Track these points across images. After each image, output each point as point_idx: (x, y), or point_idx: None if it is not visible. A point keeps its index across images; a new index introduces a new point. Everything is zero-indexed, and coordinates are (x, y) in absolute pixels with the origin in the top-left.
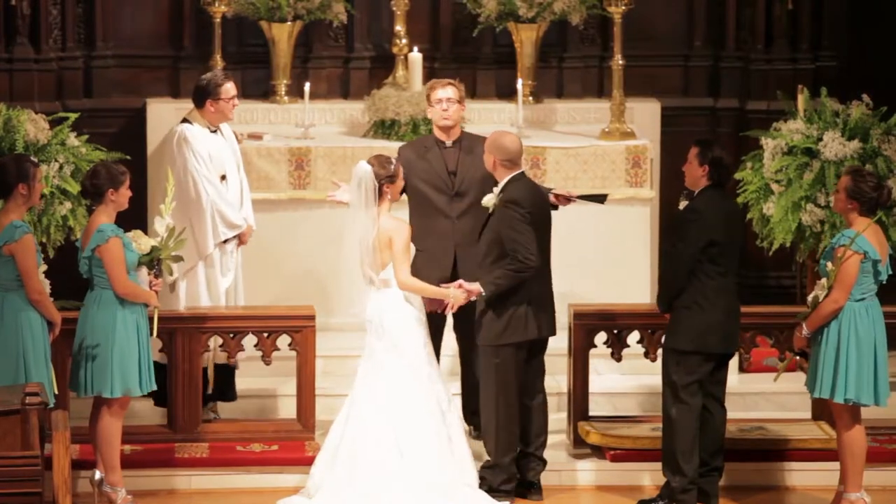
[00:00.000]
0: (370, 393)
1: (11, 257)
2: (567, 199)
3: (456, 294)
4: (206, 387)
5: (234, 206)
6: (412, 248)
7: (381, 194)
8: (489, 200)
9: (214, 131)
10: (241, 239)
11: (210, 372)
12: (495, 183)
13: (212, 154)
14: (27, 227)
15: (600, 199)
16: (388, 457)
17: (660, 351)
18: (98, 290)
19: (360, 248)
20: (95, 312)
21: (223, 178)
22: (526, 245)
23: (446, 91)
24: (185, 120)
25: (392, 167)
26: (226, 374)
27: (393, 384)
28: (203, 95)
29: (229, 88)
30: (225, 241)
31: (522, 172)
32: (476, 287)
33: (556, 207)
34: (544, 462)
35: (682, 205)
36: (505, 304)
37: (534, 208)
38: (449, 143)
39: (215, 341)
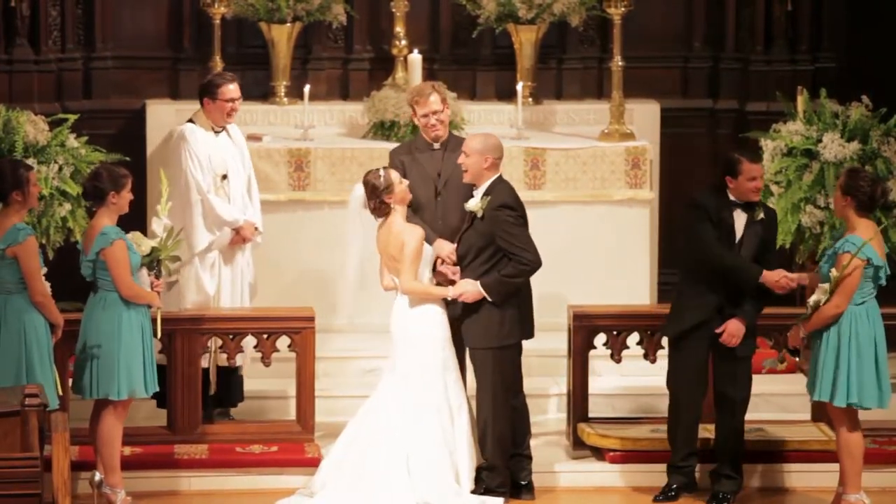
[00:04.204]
0: (387, 399)
1: (14, 260)
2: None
3: (467, 290)
4: (207, 390)
5: (231, 205)
6: (426, 251)
7: (385, 206)
8: (475, 205)
9: (219, 132)
10: (242, 236)
11: (212, 375)
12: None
13: (211, 154)
14: (30, 230)
15: None
16: (396, 469)
17: (659, 352)
18: (102, 292)
19: (380, 259)
20: (101, 315)
21: (224, 177)
22: (526, 247)
23: (431, 104)
24: (190, 120)
25: (382, 178)
26: (231, 378)
27: (408, 393)
28: (202, 92)
29: (228, 90)
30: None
31: (500, 175)
32: (475, 290)
33: None
34: (531, 459)
35: (761, 213)
36: (502, 305)
37: (522, 210)
38: (437, 145)
39: (214, 343)
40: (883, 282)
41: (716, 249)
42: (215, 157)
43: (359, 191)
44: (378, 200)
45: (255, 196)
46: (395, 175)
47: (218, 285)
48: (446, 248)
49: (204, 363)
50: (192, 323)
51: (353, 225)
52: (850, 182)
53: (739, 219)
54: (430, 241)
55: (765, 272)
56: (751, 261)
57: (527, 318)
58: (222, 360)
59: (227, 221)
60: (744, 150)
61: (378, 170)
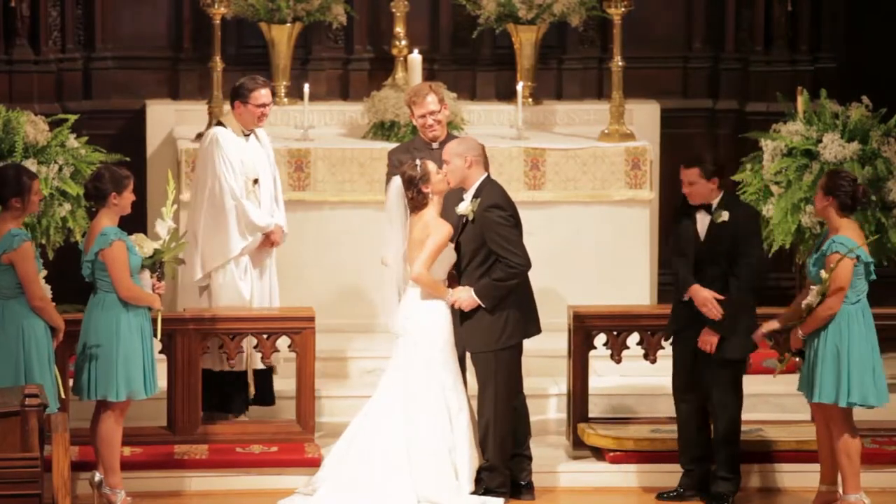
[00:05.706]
0: (388, 398)
1: (11, 266)
2: None
3: (461, 297)
4: (246, 391)
5: (262, 209)
6: (448, 253)
7: (423, 196)
8: (465, 208)
9: (248, 135)
10: (271, 240)
11: (250, 375)
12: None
13: (243, 158)
14: (26, 235)
15: None
16: (396, 468)
17: (659, 353)
18: (101, 293)
19: (404, 256)
20: (99, 316)
21: (255, 181)
22: (516, 250)
23: (427, 105)
24: (219, 123)
25: (419, 167)
26: (264, 378)
27: (409, 391)
28: (233, 96)
29: (260, 95)
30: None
31: (488, 174)
32: (469, 297)
33: None
34: (531, 459)
35: (723, 216)
36: (501, 307)
37: (513, 210)
38: (436, 145)
39: (248, 344)
40: (873, 276)
41: (672, 253)
42: (247, 161)
43: (396, 181)
44: (416, 190)
45: (280, 198)
46: (431, 165)
47: (251, 289)
48: None
49: (241, 366)
50: (192, 323)
51: (391, 220)
52: (831, 183)
53: (703, 221)
54: None
55: (693, 288)
56: (718, 261)
57: (529, 316)
58: (257, 361)
59: (261, 227)
60: (694, 159)
61: (414, 161)
